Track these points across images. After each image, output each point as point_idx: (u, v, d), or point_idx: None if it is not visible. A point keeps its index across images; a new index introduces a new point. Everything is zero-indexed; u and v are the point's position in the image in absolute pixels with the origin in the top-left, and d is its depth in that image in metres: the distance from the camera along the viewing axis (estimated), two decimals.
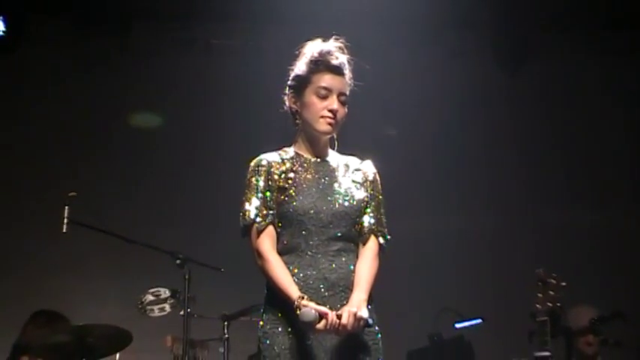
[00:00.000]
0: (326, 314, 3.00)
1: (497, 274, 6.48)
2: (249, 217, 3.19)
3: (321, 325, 2.99)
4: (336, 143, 3.35)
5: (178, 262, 4.88)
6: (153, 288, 4.97)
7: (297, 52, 3.32)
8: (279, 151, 3.33)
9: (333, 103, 3.23)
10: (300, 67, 3.30)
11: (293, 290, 3.06)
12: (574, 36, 6.74)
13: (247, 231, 3.21)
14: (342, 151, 3.36)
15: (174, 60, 6.52)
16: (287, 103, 3.33)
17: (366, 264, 3.21)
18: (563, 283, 3.96)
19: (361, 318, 3.03)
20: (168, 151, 6.53)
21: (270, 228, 3.19)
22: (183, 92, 6.60)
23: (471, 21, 6.53)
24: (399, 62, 6.44)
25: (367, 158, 3.38)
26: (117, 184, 6.40)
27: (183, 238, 5.67)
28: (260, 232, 3.17)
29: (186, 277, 4.82)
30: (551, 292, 3.97)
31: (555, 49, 6.75)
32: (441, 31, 6.57)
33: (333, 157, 3.35)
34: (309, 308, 2.98)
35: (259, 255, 3.16)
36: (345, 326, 3.01)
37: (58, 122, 6.50)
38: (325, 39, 3.31)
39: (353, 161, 3.37)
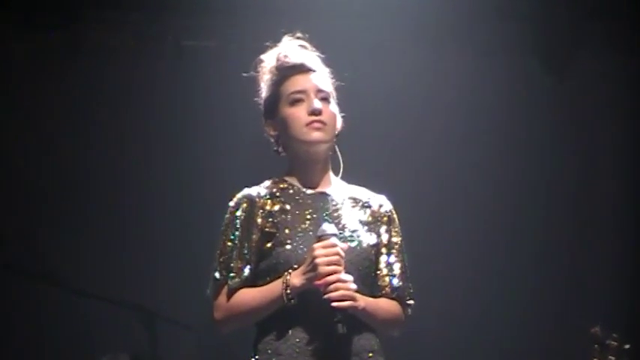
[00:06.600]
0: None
1: (542, 333, 6.40)
2: (221, 272, 3.18)
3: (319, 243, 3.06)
4: (341, 165, 3.33)
5: (142, 319, 4.95)
6: (109, 353, 5.02)
7: (254, 73, 3.37)
8: (268, 184, 3.31)
9: (312, 102, 3.22)
10: (264, 87, 3.33)
11: (275, 282, 3.09)
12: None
13: (217, 289, 3.19)
14: (354, 168, 3.33)
15: (135, 62, 6.37)
16: (267, 133, 3.35)
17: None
18: (627, 346, 3.92)
19: (349, 288, 3.04)
20: (126, 178, 6.33)
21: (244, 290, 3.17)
22: (147, 103, 6.44)
23: (507, 12, 6.55)
24: (422, 63, 6.38)
25: (383, 173, 3.42)
26: (63, 223, 6.21)
27: (147, 291, 5.65)
28: (231, 292, 3.17)
29: (151, 338, 4.88)
30: (611, 358, 3.93)
31: (610, 42, 6.68)
32: (471, 26, 6.50)
33: (336, 189, 3.31)
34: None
35: (219, 308, 3.18)
36: (328, 284, 3.03)
37: None
38: (276, 43, 3.36)
39: (362, 194, 3.33)
